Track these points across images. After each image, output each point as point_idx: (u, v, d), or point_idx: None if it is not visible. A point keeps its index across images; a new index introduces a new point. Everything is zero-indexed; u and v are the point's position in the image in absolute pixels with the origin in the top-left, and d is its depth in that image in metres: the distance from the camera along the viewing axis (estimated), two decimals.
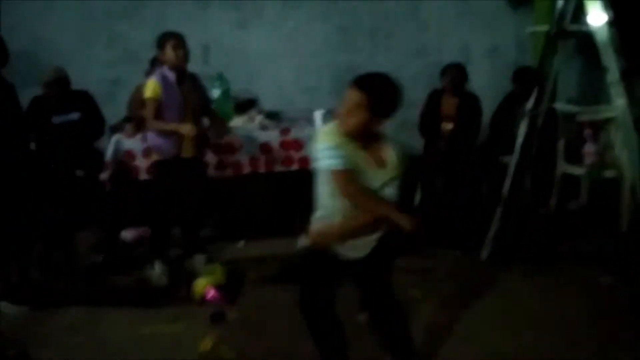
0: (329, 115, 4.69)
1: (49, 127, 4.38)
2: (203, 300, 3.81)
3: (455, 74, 4.99)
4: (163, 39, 3.92)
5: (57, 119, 4.47)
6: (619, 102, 3.74)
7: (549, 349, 3.26)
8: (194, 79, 4.07)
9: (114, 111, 5.19)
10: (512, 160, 4.22)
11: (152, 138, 3.97)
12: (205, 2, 6.23)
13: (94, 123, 4.76)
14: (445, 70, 5.05)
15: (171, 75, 3.89)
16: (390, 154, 2.55)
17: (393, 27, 6.48)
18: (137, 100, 4.98)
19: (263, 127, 4.52)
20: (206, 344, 3.39)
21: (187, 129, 3.82)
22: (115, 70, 6.11)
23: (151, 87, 3.84)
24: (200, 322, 3.60)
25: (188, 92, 3.95)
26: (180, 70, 3.92)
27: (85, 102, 4.77)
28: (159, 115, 3.86)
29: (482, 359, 3.19)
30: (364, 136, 2.50)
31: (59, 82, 4.54)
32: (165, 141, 3.90)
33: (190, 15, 6.23)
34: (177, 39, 3.90)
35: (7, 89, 3.60)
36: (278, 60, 6.35)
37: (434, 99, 5.13)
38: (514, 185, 4.29)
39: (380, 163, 2.53)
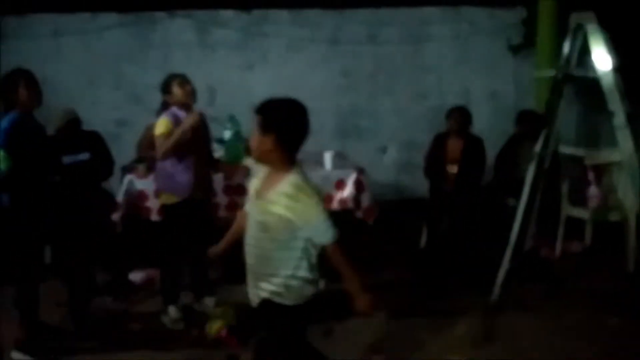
0: (338, 157, 4.76)
1: (60, 167, 4.38)
2: (216, 342, 3.78)
3: (459, 117, 5.10)
4: (169, 80, 3.96)
5: (67, 159, 4.47)
6: (626, 146, 3.83)
7: None
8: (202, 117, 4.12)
9: (119, 152, 5.22)
10: (521, 202, 4.27)
11: (163, 179, 3.98)
12: (211, 46, 6.35)
13: (103, 163, 4.77)
14: (450, 113, 5.15)
15: (181, 114, 3.92)
16: (282, 187, 2.38)
17: (394, 71, 6.63)
18: (147, 141, 5.01)
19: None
20: None
21: (190, 119, 3.83)
22: (121, 112, 6.18)
23: (163, 124, 3.86)
24: None
25: (198, 128, 3.98)
26: (189, 108, 3.96)
27: (95, 142, 4.79)
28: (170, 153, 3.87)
29: None
30: (270, 163, 2.46)
31: (71, 123, 4.58)
32: (176, 182, 3.90)
33: (195, 58, 6.35)
34: (182, 78, 3.97)
35: (39, 130, 3.63)
36: None
37: (439, 141, 5.21)
38: (522, 227, 4.33)
39: (260, 194, 2.45)
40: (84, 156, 4.59)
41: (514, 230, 4.31)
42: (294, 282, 2.44)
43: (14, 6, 6.09)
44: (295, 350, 2.59)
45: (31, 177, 3.45)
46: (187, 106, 3.94)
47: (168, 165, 3.87)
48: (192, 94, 3.97)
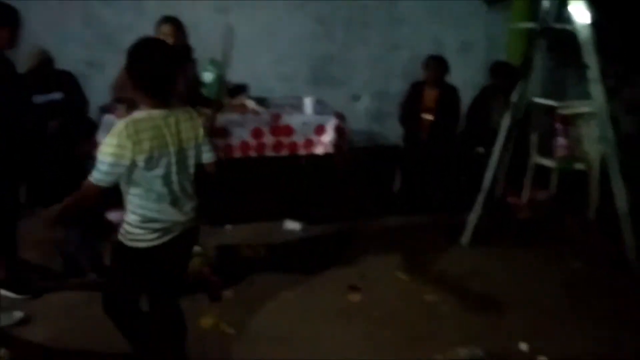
0: (318, 103, 4.80)
1: (32, 105, 4.29)
2: (198, 279, 3.86)
3: (436, 66, 5.18)
4: (156, 26, 3.88)
5: (39, 99, 4.38)
6: (598, 98, 3.98)
7: (522, 325, 3.49)
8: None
9: (89, 93, 5.14)
10: (495, 150, 4.42)
11: None
12: None
13: (76, 103, 4.70)
14: (427, 63, 5.23)
15: None
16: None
17: (369, 20, 6.61)
18: (124, 82, 4.94)
19: (254, 113, 4.57)
20: (207, 321, 3.46)
21: None
22: (91, 52, 6.02)
23: None
24: (199, 300, 3.65)
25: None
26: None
27: (68, 82, 4.70)
28: None
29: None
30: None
31: (43, 63, 4.48)
32: None
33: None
34: (168, 26, 3.90)
35: (10, 67, 3.51)
36: (257, 48, 6.39)
37: (415, 89, 5.30)
38: (494, 175, 4.50)
39: None
40: (57, 95, 4.51)
41: (486, 177, 4.48)
42: None
43: None
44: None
45: (4, 116, 3.36)
46: None
47: None
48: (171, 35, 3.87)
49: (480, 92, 5.51)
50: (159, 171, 2.45)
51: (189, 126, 2.56)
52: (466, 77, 6.20)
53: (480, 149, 5.16)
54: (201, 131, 2.63)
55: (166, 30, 3.92)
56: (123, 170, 2.37)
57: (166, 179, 2.48)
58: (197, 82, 4.33)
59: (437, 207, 5.10)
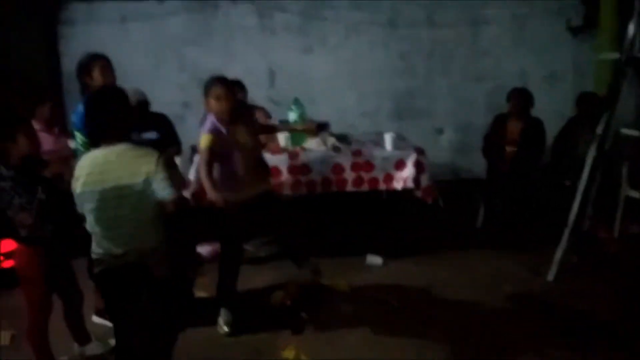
0: (397, 138, 4.87)
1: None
2: (281, 311, 3.99)
3: (520, 98, 5.15)
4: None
5: (135, 137, 4.69)
6: None
7: None
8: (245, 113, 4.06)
9: (183, 132, 5.47)
10: (581, 183, 4.31)
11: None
12: (272, 30, 6.52)
13: (171, 143, 5.01)
14: (511, 95, 5.21)
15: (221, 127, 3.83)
16: None
17: (451, 53, 6.66)
18: None
19: (335, 149, 4.71)
20: (289, 352, 3.57)
21: (214, 196, 3.62)
22: (185, 94, 6.43)
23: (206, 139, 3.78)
24: (282, 332, 3.77)
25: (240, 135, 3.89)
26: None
27: (163, 123, 5.01)
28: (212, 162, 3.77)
29: None
30: None
31: (141, 104, 4.81)
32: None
33: (256, 42, 6.54)
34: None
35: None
36: (340, 85, 6.59)
37: (499, 122, 5.28)
38: (580, 208, 4.37)
39: None
40: (152, 135, 4.83)
41: (572, 210, 4.36)
42: None
43: None
44: None
45: None
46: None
47: None
48: (228, 109, 3.78)
49: (566, 123, 5.39)
50: (89, 205, 2.67)
51: (134, 163, 2.66)
52: (552, 108, 6.09)
53: (568, 182, 5.03)
54: (152, 168, 2.65)
55: (226, 98, 3.80)
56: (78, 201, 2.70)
57: (97, 212, 2.67)
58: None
59: (522, 241, 4.99)
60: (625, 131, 4.52)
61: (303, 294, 4.30)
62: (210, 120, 3.88)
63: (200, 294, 4.26)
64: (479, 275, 4.55)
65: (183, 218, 4.49)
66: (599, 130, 4.20)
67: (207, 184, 3.67)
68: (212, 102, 3.83)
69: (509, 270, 4.63)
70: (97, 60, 3.61)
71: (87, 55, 3.64)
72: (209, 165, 3.73)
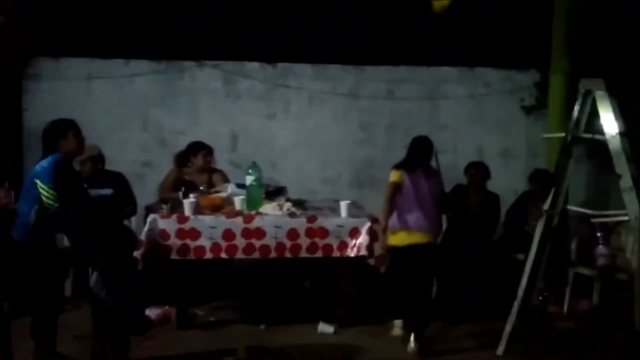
0: (353, 206, 4.93)
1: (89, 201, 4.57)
2: None
3: (477, 171, 5.32)
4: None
5: (92, 192, 4.66)
6: (632, 208, 3.95)
7: None
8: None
9: (142, 191, 5.48)
10: (529, 257, 4.39)
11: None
12: (236, 94, 6.65)
13: (126, 202, 4.98)
14: (469, 167, 5.37)
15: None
16: None
17: (410, 126, 6.83)
18: (170, 183, 5.27)
19: (291, 215, 4.73)
20: None
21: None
22: (147, 154, 6.45)
23: (397, 174, 4.47)
24: None
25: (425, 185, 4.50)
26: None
27: (119, 182, 5.01)
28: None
29: None
30: None
31: (93, 159, 4.82)
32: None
33: (221, 105, 6.65)
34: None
35: (76, 171, 3.85)
36: (302, 151, 6.69)
37: (459, 192, 5.47)
38: (529, 282, 4.43)
39: None
40: (107, 191, 4.80)
41: (521, 284, 4.41)
42: None
43: (50, 49, 6.46)
44: None
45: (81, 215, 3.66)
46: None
47: None
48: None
49: (518, 198, 5.56)
50: None
51: None
52: (507, 183, 6.28)
53: (520, 256, 5.12)
54: None
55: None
56: None
57: None
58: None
59: (475, 314, 5.02)
60: (573, 208, 4.66)
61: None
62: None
63: None
64: (430, 347, 4.53)
65: (133, 279, 4.45)
66: (546, 206, 4.32)
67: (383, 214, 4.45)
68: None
69: (460, 343, 4.63)
70: (72, 125, 3.80)
71: (62, 120, 3.82)
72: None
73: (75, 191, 3.64)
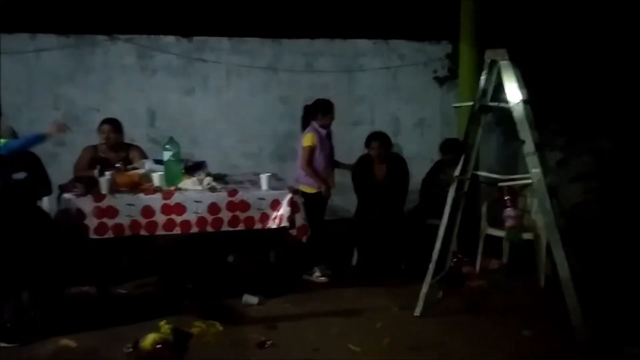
0: (273, 178, 4.99)
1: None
2: (150, 356, 3.88)
3: (380, 145, 5.55)
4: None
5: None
6: (534, 171, 4.21)
7: None
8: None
9: (57, 171, 5.30)
10: (442, 222, 4.61)
11: (302, 177, 5.38)
12: (152, 69, 6.51)
13: (40, 183, 4.82)
14: (370, 142, 5.55)
15: (322, 131, 5.38)
16: None
17: (329, 98, 6.92)
18: (85, 162, 5.14)
19: (211, 189, 4.74)
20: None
21: (325, 190, 5.33)
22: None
23: (309, 138, 5.27)
24: None
25: (331, 146, 5.43)
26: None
27: (32, 163, 4.84)
28: (311, 160, 5.29)
29: None
30: None
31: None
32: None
33: (136, 81, 6.49)
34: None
35: None
36: (222, 126, 6.66)
37: (364, 163, 5.70)
38: (444, 246, 4.65)
39: None
40: (20, 175, 4.64)
41: (435, 248, 4.63)
42: None
43: None
44: None
45: None
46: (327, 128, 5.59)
47: None
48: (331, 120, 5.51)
49: (432, 166, 5.77)
50: None
51: None
52: (424, 152, 6.51)
53: (434, 221, 5.34)
54: None
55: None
56: None
57: None
58: None
59: (393, 278, 5.23)
60: (483, 174, 4.89)
61: (176, 335, 4.22)
62: (314, 126, 5.51)
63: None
64: (352, 312, 4.70)
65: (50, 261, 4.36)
66: (457, 172, 4.53)
67: (311, 173, 5.40)
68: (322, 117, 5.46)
69: (380, 306, 4.82)
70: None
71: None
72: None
73: None
